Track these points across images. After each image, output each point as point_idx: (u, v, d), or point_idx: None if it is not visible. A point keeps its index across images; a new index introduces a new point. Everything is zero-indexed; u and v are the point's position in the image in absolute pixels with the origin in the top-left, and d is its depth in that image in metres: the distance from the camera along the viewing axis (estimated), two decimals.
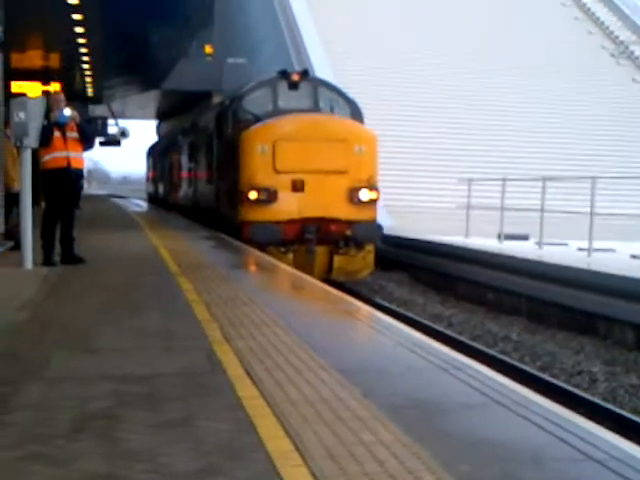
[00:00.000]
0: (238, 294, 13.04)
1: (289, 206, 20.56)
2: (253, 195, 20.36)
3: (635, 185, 27.48)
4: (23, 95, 19.76)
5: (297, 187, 20.37)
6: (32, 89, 24.99)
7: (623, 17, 55.21)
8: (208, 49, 42.86)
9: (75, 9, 23.45)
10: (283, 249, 20.16)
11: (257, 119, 21.77)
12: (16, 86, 25.01)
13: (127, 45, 31.02)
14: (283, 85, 22.85)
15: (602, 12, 57.57)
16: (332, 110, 22.49)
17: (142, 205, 53.53)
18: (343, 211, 20.62)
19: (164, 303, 11.70)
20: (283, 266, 17.72)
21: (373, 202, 21.20)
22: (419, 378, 7.96)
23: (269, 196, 20.30)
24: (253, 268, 16.51)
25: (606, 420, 11.40)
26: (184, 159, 36.10)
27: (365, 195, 20.72)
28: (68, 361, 8.06)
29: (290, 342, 9.05)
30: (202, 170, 29.53)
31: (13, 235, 17.58)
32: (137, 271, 15.83)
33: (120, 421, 6.03)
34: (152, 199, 51.92)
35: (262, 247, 19.55)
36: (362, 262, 21.21)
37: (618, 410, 12.86)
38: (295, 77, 22.62)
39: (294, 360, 8.12)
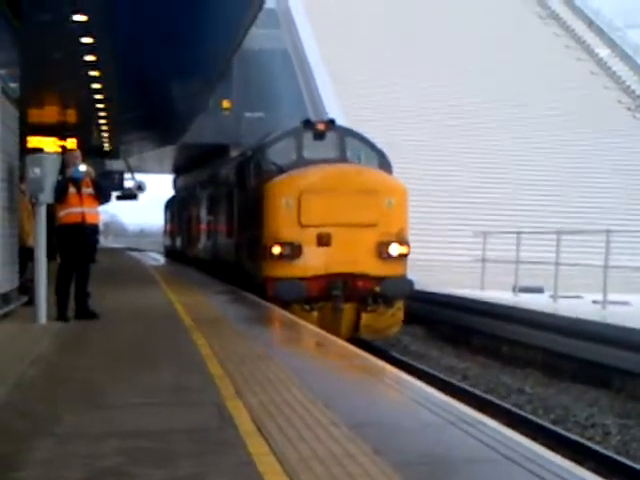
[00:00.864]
0: (253, 350, 13.02)
1: (315, 261, 19.67)
2: (277, 250, 19.50)
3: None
4: (39, 150, 19.88)
5: (323, 241, 19.51)
6: (48, 144, 25.04)
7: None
8: (226, 104, 43.00)
9: (92, 66, 23.53)
10: (308, 307, 19.34)
11: (281, 170, 21.11)
12: (32, 141, 25.07)
13: (144, 101, 31.10)
14: (308, 135, 21.95)
15: (618, 66, 57.75)
16: (360, 160, 21.84)
17: (159, 259, 53.58)
18: (372, 266, 19.69)
19: (177, 359, 11.67)
20: (301, 322, 17.30)
21: (403, 257, 20.38)
22: (431, 434, 7.88)
23: (293, 251, 19.39)
24: (269, 324, 16.42)
25: (617, 472, 11.63)
26: (203, 212, 35.18)
27: (395, 250, 19.89)
28: (79, 418, 8.06)
29: (303, 398, 9.00)
30: (222, 223, 28.54)
31: (27, 290, 17.61)
32: (151, 326, 15.83)
33: (131, 478, 5.98)
34: (169, 253, 52.00)
35: (286, 305, 18.75)
36: (391, 319, 20.45)
37: (630, 462, 12.49)
38: (321, 126, 21.86)
39: (306, 416, 8.09)
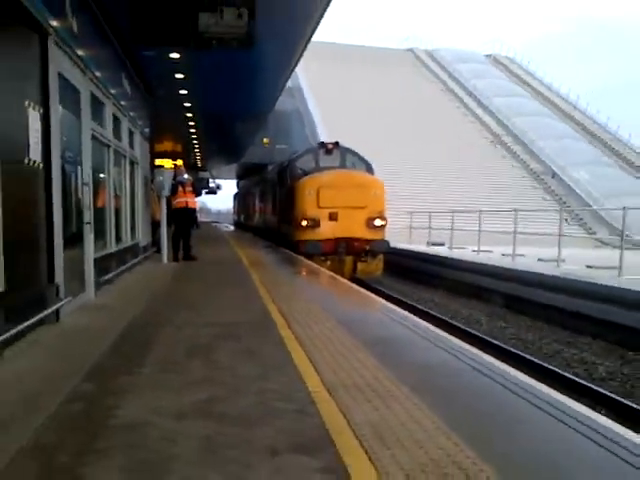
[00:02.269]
0: (283, 278, 13.14)
1: (327, 230, 19.55)
2: (304, 223, 19.64)
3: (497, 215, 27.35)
4: (161, 166, 20.16)
5: (333, 217, 19.52)
6: (166, 163, 25.18)
7: None
8: (265, 140, 43.13)
9: (190, 119, 23.63)
10: (323, 258, 19.33)
11: (305, 173, 21.01)
12: (157, 162, 25.22)
13: (220, 138, 31.15)
14: (322, 152, 21.88)
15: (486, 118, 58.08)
16: (354, 167, 21.49)
17: (229, 227, 53.74)
18: (363, 233, 19.69)
19: (241, 284, 11.72)
20: (310, 263, 17.31)
21: (383, 227, 20.16)
22: (383, 327, 8.00)
23: (314, 223, 19.53)
24: (292, 264, 16.36)
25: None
26: (257, 200, 34.92)
27: (378, 222, 19.86)
28: (187, 315, 8.19)
29: (311, 306, 9.13)
30: (269, 206, 28.31)
31: (156, 244, 17.90)
32: (225, 264, 15.93)
33: (215, 349, 6.22)
34: (236, 224, 52.15)
35: (309, 256, 18.70)
36: (375, 266, 20.29)
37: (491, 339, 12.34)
38: (330, 146, 21.79)
39: (313, 316, 8.25)
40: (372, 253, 19.96)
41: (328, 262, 19.29)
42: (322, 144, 22.29)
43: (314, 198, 19.64)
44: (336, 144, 21.88)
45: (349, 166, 21.55)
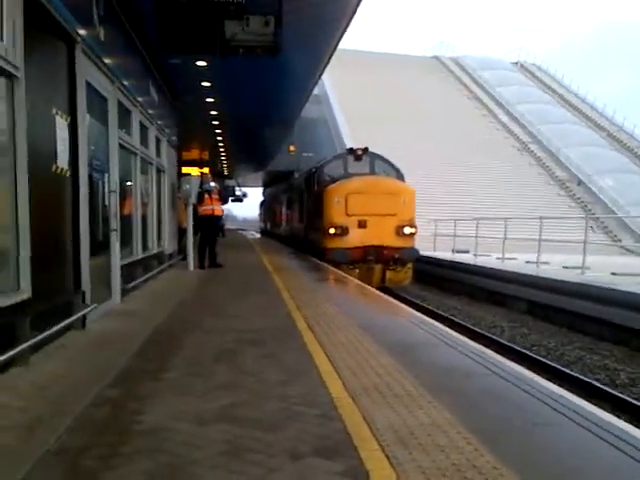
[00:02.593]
0: (306, 284, 13.09)
1: (356, 237, 18.89)
2: (332, 230, 18.98)
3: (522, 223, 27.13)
4: (188, 174, 20.22)
5: (362, 225, 18.84)
6: (193, 171, 25.27)
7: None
8: (292, 148, 43.24)
9: (216, 126, 23.75)
10: (351, 266, 18.68)
11: (334, 180, 20.31)
12: (184, 169, 25.35)
13: (246, 146, 31.28)
14: (350, 158, 21.22)
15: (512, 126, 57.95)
16: (384, 173, 20.80)
17: (255, 234, 53.84)
18: (393, 241, 19.03)
19: (265, 289, 11.76)
20: (332, 269, 17.21)
21: (413, 235, 19.46)
22: (404, 331, 8.01)
23: (342, 231, 18.88)
24: (316, 271, 16.36)
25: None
26: (283, 208, 34.20)
27: (408, 230, 19.19)
28: (212, 321, 8.25)
29: (334, 312, 9.14)
30: (296, 213, 27.68)
31: (182, 251, 18.01)
32: (250, 271, 15.96)
33: (239, 354, 6.27)
34: (262, 232, 52.15)
35: (337, 265, 18.11)
36: (405, 274, 19.65)
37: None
38: (359, 152, 21.10)
39: (336, 321, 8.26)
40: (401, 261, 19.39)
41: (356, 270, 18.72)
42: (351, 150, 21.72)
43: (342, 205, 19.08)
44: (365, 150, 21.31)
45: (379, 172, 20.97)
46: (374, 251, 19.01)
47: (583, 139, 53.91)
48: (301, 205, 25.40)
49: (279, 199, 37.15)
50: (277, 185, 44.91)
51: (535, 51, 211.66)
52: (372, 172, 20.85)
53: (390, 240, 19.07)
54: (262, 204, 56.56)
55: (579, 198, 44.89)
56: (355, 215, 18.91)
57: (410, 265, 19.81)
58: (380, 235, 18.97)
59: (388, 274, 19.34)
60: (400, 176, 21.20)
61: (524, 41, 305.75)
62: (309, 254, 21.62)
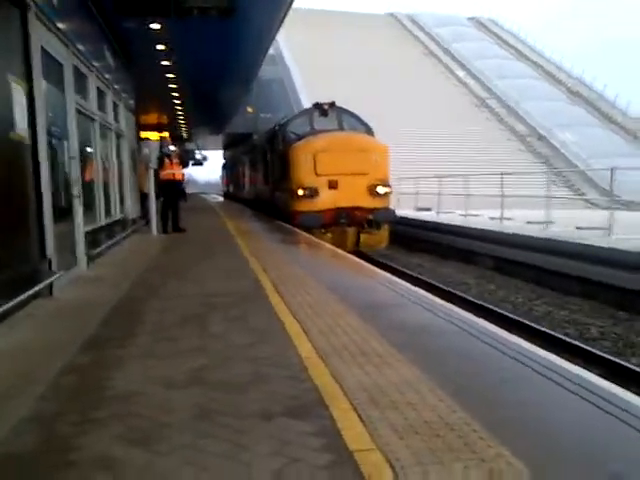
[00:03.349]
0: (269, 246, 13.15)
1: (327, 199, 17.54)
2: (300, 192, 17.59)
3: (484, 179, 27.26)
4: (147, 139, 20.04)
5: (332, 185, 17.54)
6: (152, 135, 25.07)
7: None
8: (250, 109, 43.03)
9: (174, 89, 23.48)
10: (323, 230, 17.42)
11: (300, 138, 18.75)
12: (143, 134, 25.10)
13: (205, 108, 30.95)
14: (316, 113, 19.73)
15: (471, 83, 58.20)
16: (353, 130, 19.33)
17: (218, 198, 53.40)
18: (366, 201, 17.72)
19: (228, 252, 11.78)
20: (287, 227, 17.45)
21: (387, 194, 18.22)
22: (369, 291, 8.06)
23: (312, 192, 17.50)
24: (276, 232, 16.30)
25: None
26: (247, 169, 32.64)
27: (382, 189, 17.88)
28: (176, 285, 8.26)
29: (299, 272, 9.15)
30: (260, 175, 26.13)
31: (145, 216, 17.91)
32: (213, 235, 15.95)
33: (206, 317, 6.25)
34: (226, 195, 51.34)
35: (308, 230, 16.82)
36: (380, 237, 18.43)
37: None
38: (325, 107, 19.67)
39: (301, 282, 8.29)
40: (376, 223, 18.18)
41: (328, 235, 17.55)
42: (317, 105, 20.16)
43: (311, 165, 17.71)
44: (332, 104, 19.96)
45: (347, 129, 19.56)
46: (346, 213, 17.91)
47: (542, 93, 54.24)
48: (265, 165, 24.16)
49: (242, 160, 35.97)
50: (239, 146, 44.56)
51: (491, 5, 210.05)
52: (340, 128, 19.56)
53: (363, 201, 17.94)
54: (224, 166, 55.79)
55: (540, 153, 45.29)
56: (325, 175, 17.70)
57: (386, 227, 18.80)
58: (352, 196, 17.81)
59: (362, 237, 18.34)
60: (370, 132, 20.04)
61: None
62: (277, 218, 20.47)
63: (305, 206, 17.69)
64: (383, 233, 18.64)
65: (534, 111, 50.27)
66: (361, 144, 18.32)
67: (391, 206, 18.85)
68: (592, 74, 58.77)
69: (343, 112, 20.14)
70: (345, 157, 17.59)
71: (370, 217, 17.93)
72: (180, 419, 3.67)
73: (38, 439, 3.46)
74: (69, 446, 3.33)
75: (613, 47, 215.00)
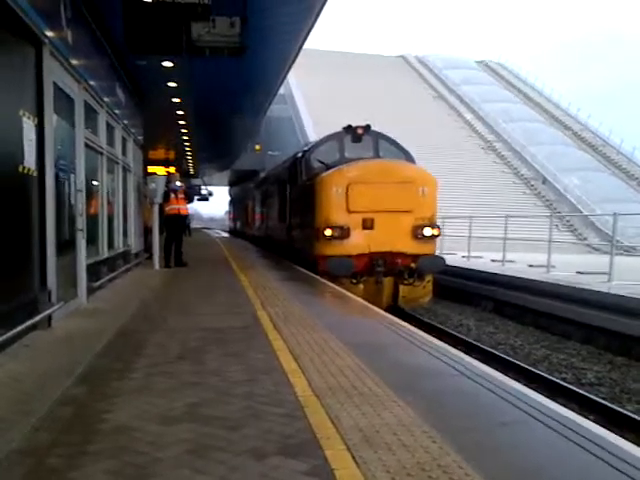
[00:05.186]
0: (271, 282, 12.79)
1: (360, 242, 14.30)
2: (329, 232, 14.27)
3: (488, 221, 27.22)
4: (154, 174, 20.15)
5: (367, 225, 14.32)
6: (159, 170, 25.14)
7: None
8: (257, 147, 43.41)
9: (182, 126, 23.66)
10: (354, 281, 14.34)
11: (327, 167, 15.48)
12: (150, 169, 25.24)
13: (212, 145, 31.21)
14: (348, 138, 16.39)
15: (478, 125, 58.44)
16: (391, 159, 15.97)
17: (222, 233, 53.36)
18: (409, 246, 14.48)
19: (230, 288, 11.75)
20: (295, 266, 16.48)
21: (434, 238, 14.84)
22: (371, 331, 8.05)
23: (342, 233, 14.26)
24: (282, 269, 16.14)
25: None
26: (258, 204, 28.96)
27: (428, 232, 14.58)
28: (177, 320, 8.24)
29: (300, 311, 9.13)
30: (274, 210, 22.59)
31: (148, 250, 17.94)
32: (217, 270, 15.92)
33: (205, 352, 6.29)
34: (232, 231, 50.51)
35: (334, 278, 13.84)
36: (423, 290, 15.16)
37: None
38: (359, 131, 16.35)
39: (302, 320, 8.27)
40: (419, 273, 14.90)
41: (360, 286, 14.43)
42: (349, 128, 16.66)
43: (341, 199, 14.49)
44: (367, 128, 16.61)
45: (384, 157, 16.22)
46: (384, 260, 14.61)
47: (548, 138, 54.54)
48: (283, 200, 20.27)
49: (253, 194, 32.46)
50: (244, 183, 44.55)
51: (499, 50, 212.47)
52: (376, 155, 16.31)
53: (405, 245, 14.66)
54: (232, 201, 55.48)
55: (544, 196, 45.41)
56: (358, 212, 14.49)
57: (430, 278, 15.38)
58: (391, 238, 14.57)
59: (402, 290, 14.97)
60: (411, 160, 16.68)
61: (490, 41, 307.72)
62: (294, 262, 17.34)
63: (333, 249, 14.45)
64: (427, 285, 15.39)
65: (540, 155, 50.49)
66: (404, 174, 14.96)
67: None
68: (597, 119, 59.52)
69: (379, 137, 17.00)
70: (384, 190, 14.40)
71: (412, 266, 14.77)
72: (174, 454, 3.66)
73: (29, 471, 3.44)
74: (61, 479, 3.32)
75: (614, 94, 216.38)
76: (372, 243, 14.39)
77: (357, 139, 16.41)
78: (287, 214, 19.03)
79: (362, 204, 14.31)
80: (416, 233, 14.51)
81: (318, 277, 14.07)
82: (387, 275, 14.63)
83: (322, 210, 14.70)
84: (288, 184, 18.88)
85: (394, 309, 14.00)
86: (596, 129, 57.64)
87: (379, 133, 16.84)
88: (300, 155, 17.74)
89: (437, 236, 14.90)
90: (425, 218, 14.61)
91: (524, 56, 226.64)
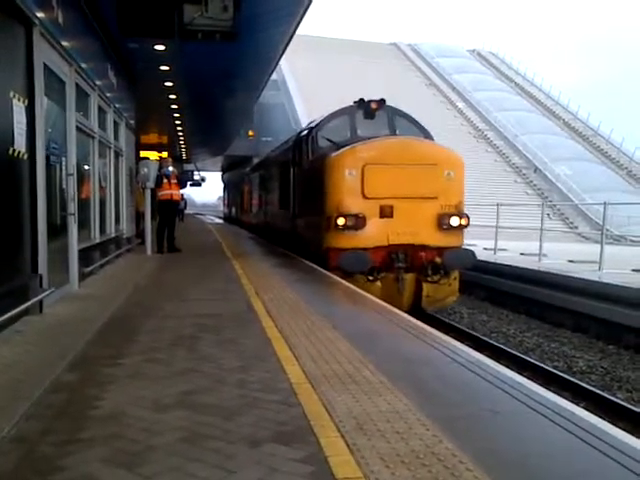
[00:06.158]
0: (264, 269, 12.90)
1: (378, 232, 12.55)
2: (341, 221, 12.38)
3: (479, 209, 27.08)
4: (146, 158, 20.04)
5: (385, 213, 12.56)
6: (152, 155, 25.09)
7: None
8: (250, 133, 43.34)
9: (175, 110, 23.48)
10: (371, 277, 12.54)
11: (338, 147, 13.38)
12: (142, 154, 25.15)
13: (205, 130, 31.07)
14: (360, 113, 14.54)
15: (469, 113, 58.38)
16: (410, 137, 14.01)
17: (215, 220, 53.06)
18: (433, 237, 12.74)
19: (224, 274, 11.74)
20: (283, 251, 16.57)
21: (461, 228, 13.02)
22: (368, 320, 8.00)
23: (357, 222, 12.40)
24: (275, 255, 16.13)
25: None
26: (255, 189, 26.60)
27: (456, 221, 12.80)
28: (171, 306, 8.21)
29: (292, 297, 9.11)
30: (274, 196, 20.42)
31: (140, 235, 17.88)
32: (210, 256, 15.92)
33: (199, 339, 6.24)
34: (226, 218, 49.48)
35: (347, 275, 12.09)
36: (450, 289, 13.31)
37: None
38: (373, 105, 14.47)
39: (294, 307, 8.24)
40: (445, 269, 13.11)
41: (378, 284, 12.63)
42: (362, 101, 14.77)
43: (356, 183, 12.61)
44: (382, 102, 14.79)
45: (401, 134, 14.34)
46: (405, 254, 12.88)
47: (539, 127, 54.59)
48: (285, 184, 17.91)
49: (250, 178, 29.95)
50: (238, 169, 44.25)
51: (492, 39, 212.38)
52: (392, 134, 14.46)
53: (429, 236, 12.87)
54: (226, 187, 53.97)
55: (536, 185, 45.51)
56: (376, 198, 12.66)
57: (456, 274, 13.55)
58: (414, 229, 12.79)
59: (426, 289, 13.05)
60: (431, 139, 14.96)
61: (482, 29, 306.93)
62: (300, 255, 15.37)
63: (346, 242, 12.60)
64: (453, 283, 13.55)
65: (531, 144, 50.55)
66: (428, 155, 13.13)
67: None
68: (587, 109, 59.69)
69: (395, 112, 15.29)
70: (405, 173, 12.66)
71: (437, 260, 12.98)
72: (167, 442, 3.62)
73: (21, 458, 3.39)
74: (53, 466, 3.27)
75: (600, 88, 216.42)
76: (391, 234, 12.70)
77: (370, 115, 14.69)
78: (290, 200, 16.92)
79: (380, 189, 12.60)
80: (442, 223, 12.82)
81: (318, 268, 12.93)
82: (408, 271, 12.90)
83: (333, 196, 12.84)
84: (292, 166, 16.85)
85: (415, 310, 12.41)
86: (586, 119, 57.76)
87: (395, 109, 15.30)
88: (305, 133, 15.85)
89: (465, 226, 13.16)
90: (452, 206, 12.94)
91: (520, 45, 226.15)
